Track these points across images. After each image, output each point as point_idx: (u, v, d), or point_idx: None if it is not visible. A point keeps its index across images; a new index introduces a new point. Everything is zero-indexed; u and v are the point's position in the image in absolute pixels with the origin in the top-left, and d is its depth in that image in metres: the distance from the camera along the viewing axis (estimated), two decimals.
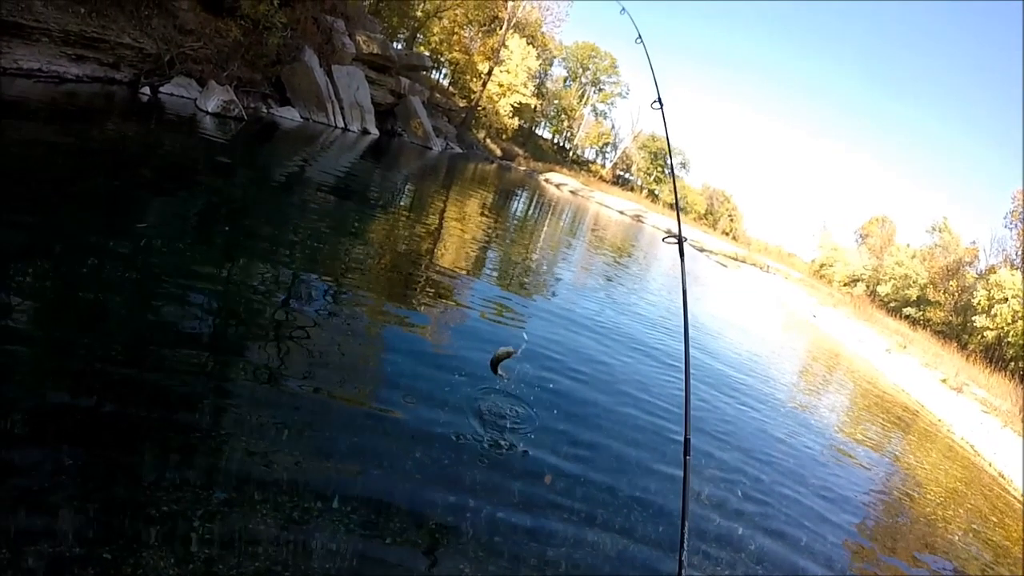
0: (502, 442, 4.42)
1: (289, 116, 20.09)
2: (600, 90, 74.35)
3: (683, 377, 2.58)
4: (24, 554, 2.30)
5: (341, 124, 23.38)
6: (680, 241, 3.03)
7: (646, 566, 3.70)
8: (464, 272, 9.09)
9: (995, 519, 7.96)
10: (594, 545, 3.67)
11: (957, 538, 6.73)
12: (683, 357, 2.64)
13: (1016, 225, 39.77)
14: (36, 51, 11.26)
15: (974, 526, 7.31)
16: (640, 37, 3.87)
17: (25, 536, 2.38)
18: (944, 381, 17.39)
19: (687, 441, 2.41)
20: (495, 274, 10.17)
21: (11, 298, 3.89)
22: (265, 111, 19.18)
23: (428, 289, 7.64)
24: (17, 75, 10.62)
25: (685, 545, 2.14)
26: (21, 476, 2.64)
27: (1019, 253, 38.76)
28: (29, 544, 2.34)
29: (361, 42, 25.98)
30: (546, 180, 50.75)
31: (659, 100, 3.35)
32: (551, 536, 3.58)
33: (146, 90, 14.21)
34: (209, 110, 14.75)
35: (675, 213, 3.59)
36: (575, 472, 4.37)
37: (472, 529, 3.40)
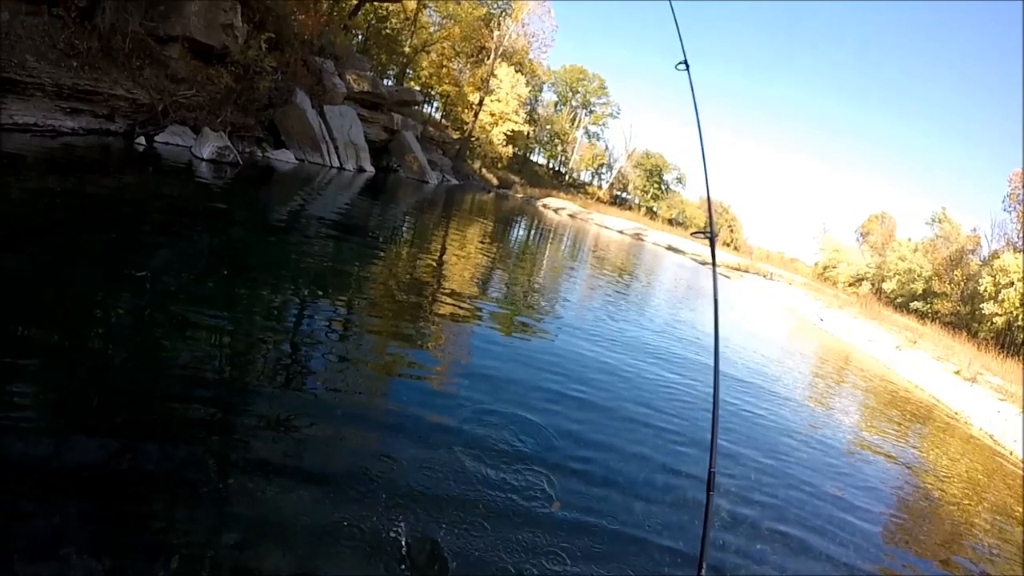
0: (509, 469, 4.29)
1: (284, 158, 20.12)
2: (591, 112, 75.12)
3: (711, 405, 2.45)
4: None
5: (336, 163, 23.43)
6: (711, 237, 2.95)
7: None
8: (469, 301, 8.99)
9: (1020, 509, 7.76)
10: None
11: (982, 533, 6.50)
12: (713, 384, 2.49)
13: (1015, 207, 39.79)
14: (31, 105, 11.27)
15: (998, 519, 7.07)
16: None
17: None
18: (957, 372, 17.08)
19: (711, 475, 2.26)
20: (499, 300, 10.12)
21: (13, 347, 3.82)
22: (260, 155, 19.21)
23: (435, 321, 7.58)
24: (13, 130, 10.61)
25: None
26: (29, 526, 2.59)
27: (1020, 235, 38.68)
28: None
29: (352, 81, 26.19)
30: (544, 205, 50.96)
31: (685, 62, 3.13)
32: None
33: (141, 140, 14.21)
34: (205, 157, 14.74)
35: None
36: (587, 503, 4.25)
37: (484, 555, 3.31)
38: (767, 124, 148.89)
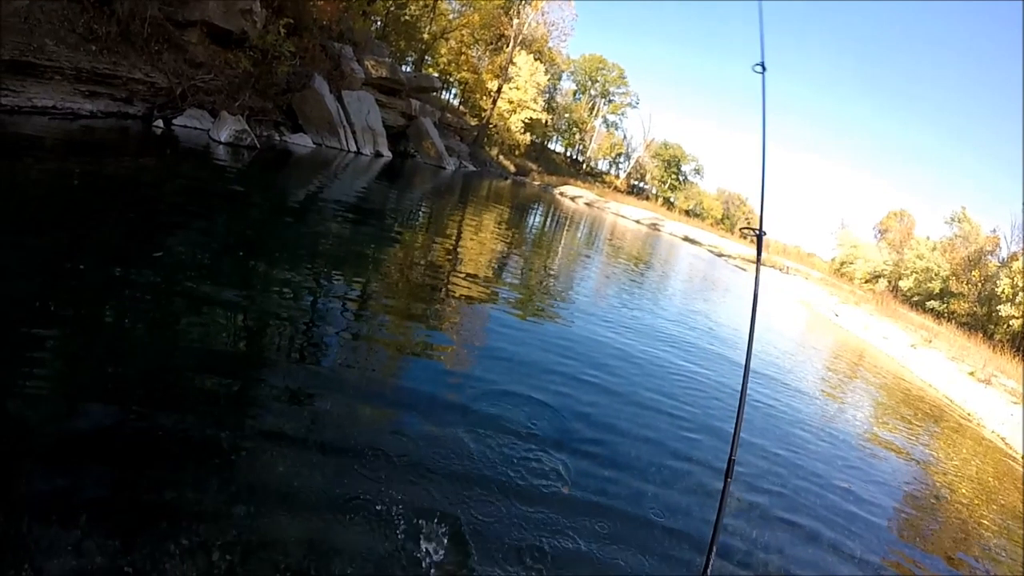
0: (521, 449, 4.31)
1: (302, 143, 20.18)
2: (610, 101, 74.57)
3: (738, 393, 2.41)
4: (48, 570, 2.29)
5: (354, 148, 23.47)
6: (759, 235, 2.81)
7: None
8: (484, 285, 9.02)
9: None
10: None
11: (990, 534, 6.39)
12: (742, 375, 2.44)
13: None
14: (50, 89, 11.36)
15: (1008, 522, 6.95)
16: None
17: (48, 552, 2.36)
18: (972, 374, 16.86)
19: (731, 462, 2.25)
20: (515, 285, 10.13)
21: (34, 322, 3.90)
22: (278, 139, 19.28)
23: (450, 303, 7.61)
24: (32, 113, 10.71)
25: (711, 567, 2.00)
26: (45, 488, 2.66)
27: None
28: (52, 559, 2.33)
29: (370, 67, 26.19)
30: (561, 193, 50.77)
31: (763, 64, 2.82)
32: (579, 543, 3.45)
33: (159, 123, 14.30)
34: (222, 140, 14.82)
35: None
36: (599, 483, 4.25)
37: (500, 532, 3.34)
38: (786, 120, 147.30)
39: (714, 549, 2.04)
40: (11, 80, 10.50)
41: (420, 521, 3.18)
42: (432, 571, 2.90)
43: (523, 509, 3.60)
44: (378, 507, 3.19)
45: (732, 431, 2.18)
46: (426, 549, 3.01)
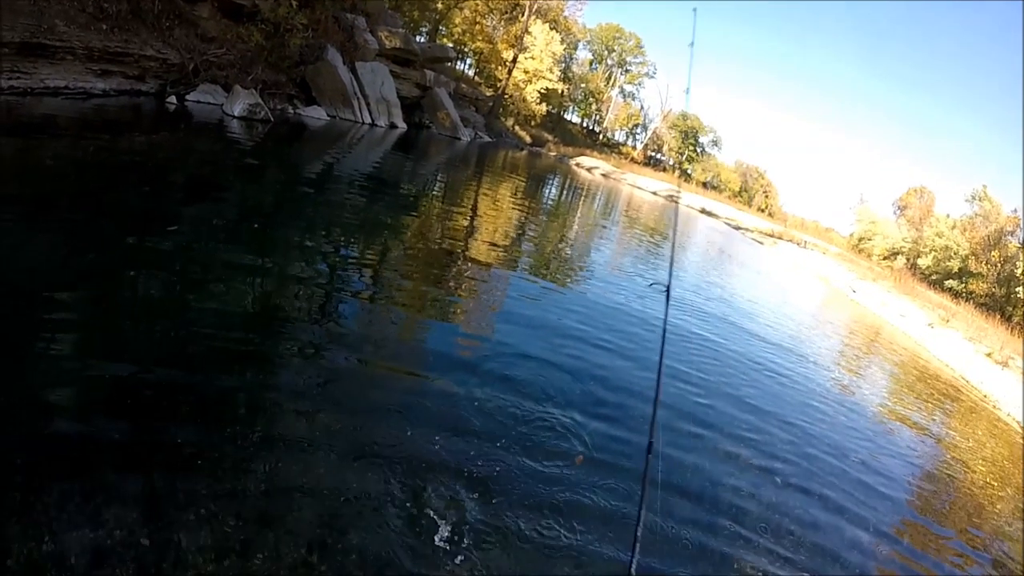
0: (535, 411, 4.42)
1: (316, 115, 20.12)
2: (627, 71, 73.43)
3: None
4: (67, 538, 2.35)
5: (368, 120, 23.36)
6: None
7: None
8: (502, 254, 9.12)
9: None
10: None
11: (1005, 514, 6.42)
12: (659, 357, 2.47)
13: None
14: (62, 69, 11.36)
15: (1021, 505, 6.93)
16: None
17: (67, 521, 2.41)
18: (989, 355, 16.77)
19: (651, 444, 2.42)
20: (532, 252, 10.25)
21: (55, 297, 4.01)
22: (291, 112, 19.23)
23: (469, 270, 7.74)
24: (44, 94, 10.74)
25: (637, 551, 2.05)
26: (64, 466, 2.69)
27: None
28: (72, 529, 2.38)
29: (383, 38, 25.95)
30: (577, 164, 50.31)
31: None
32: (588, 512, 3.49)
33: (172, 99, 14.32)
34: (236, 114, 14.82)
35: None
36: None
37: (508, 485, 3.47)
38: (807, 96, 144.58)
39: (641, 522, 2.13)
40: (23, 62, 10.51)
41: (434, 476, 3.29)
42: (444, 524, 3.00)
43: (536, 467, 3.72)
44: (393, 462, 3.31)
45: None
46: (439, 504, 3.11)
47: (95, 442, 2.85)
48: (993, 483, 7.36)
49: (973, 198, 43.79)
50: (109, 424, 2.99)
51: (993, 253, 38.14)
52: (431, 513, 3.03)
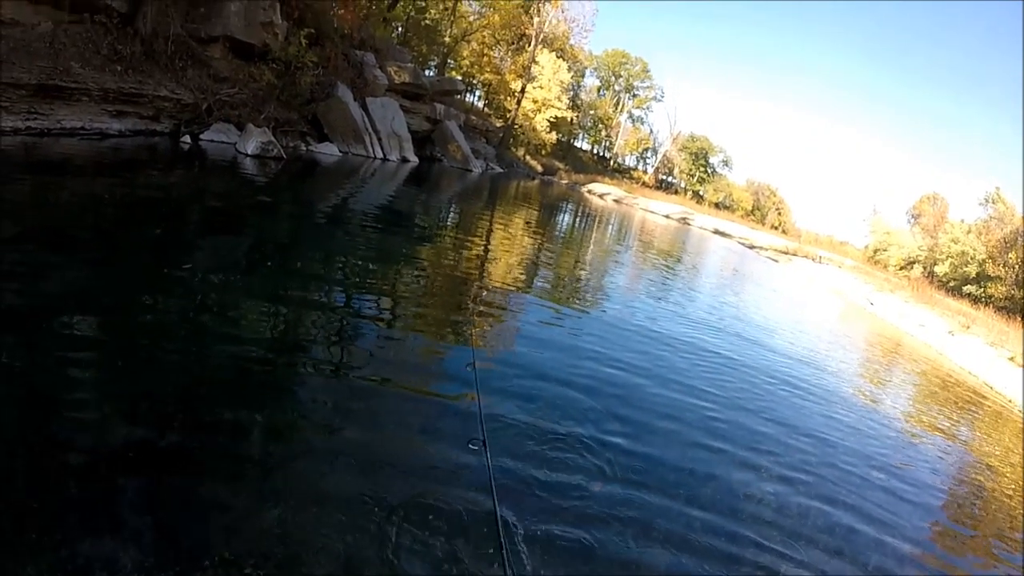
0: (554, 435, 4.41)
1: (328, 151, 20.22)
2: (634, 96, 73.83)
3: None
4: (84, 546, 2.39)
5: (380, 154, 23.48)
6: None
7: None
8: (519, 285, 9.01)
9: None
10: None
11: None
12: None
13: None
14: (78, 110, 11.49)
15: None
16: None
17: (86, 562, 2.37)
18: (1012, 359, 16.33)
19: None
20: (549, 281, 10.18)
21: (72, 335, 4.01)
22: (304, 148, 19.35)
23: (486, 296, 7.76)
24: (61, 134, 10.85)
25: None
26: (80, 503, 2.67)
27: None
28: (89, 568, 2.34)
29: (392, 73, 26.22)
30: (589, 191, 50.44)
31: None
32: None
33: (187, 138, 14.45)
34: (249, 152, 14.89)
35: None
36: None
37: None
38: (818, 103, 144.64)
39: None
40: (40, 103, 10.65)
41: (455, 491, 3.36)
42: (465, 542, 3.00)
43: (558, 479, 3.78)
44: (412, 476, 3.44)
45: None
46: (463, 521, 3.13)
47: (115, 456, 2.93)
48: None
49: (987, 201, 43.36)
50: (129, 438, 3.09)
51: (1010, 255, 37.55)
52: (452, 529, 3.03)
